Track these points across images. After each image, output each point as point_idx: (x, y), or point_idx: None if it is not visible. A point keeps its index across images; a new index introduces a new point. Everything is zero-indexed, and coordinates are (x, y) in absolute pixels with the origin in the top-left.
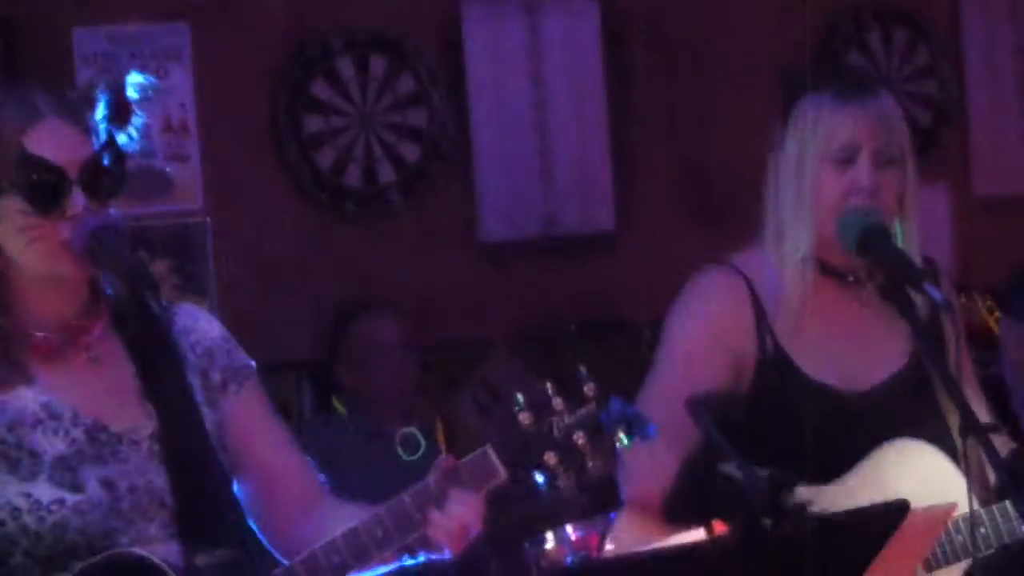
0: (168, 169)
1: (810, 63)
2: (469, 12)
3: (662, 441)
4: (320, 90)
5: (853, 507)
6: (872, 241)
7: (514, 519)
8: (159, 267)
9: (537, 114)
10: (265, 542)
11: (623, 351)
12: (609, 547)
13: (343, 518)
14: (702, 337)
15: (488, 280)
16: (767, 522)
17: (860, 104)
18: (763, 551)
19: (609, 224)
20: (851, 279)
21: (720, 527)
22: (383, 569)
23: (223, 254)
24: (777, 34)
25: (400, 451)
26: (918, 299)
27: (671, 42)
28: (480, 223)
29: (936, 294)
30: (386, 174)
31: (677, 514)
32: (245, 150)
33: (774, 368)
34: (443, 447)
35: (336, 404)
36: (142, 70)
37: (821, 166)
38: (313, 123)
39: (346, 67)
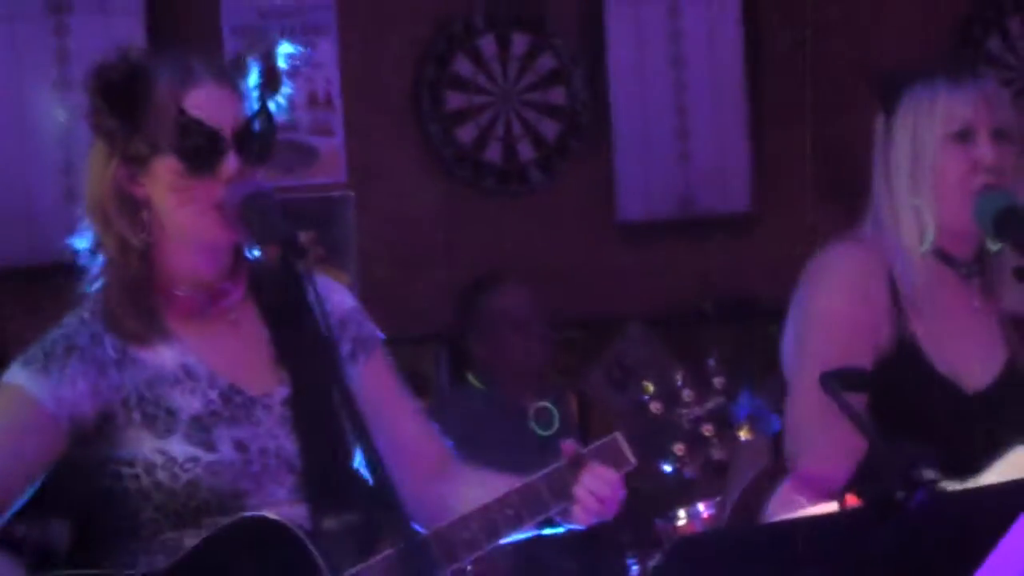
0: (313, 142)
1: (949, 48)
2: None
3: (835, 420)
4: (462, 67)
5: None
6: (1010, 222)
7: (645, 497)
8: (304, 238)
9: (676, 94)
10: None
11: (758, 331)
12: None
13: (473, 484)
14: (852, 316)
15: (624, 259)
16: (900, 495)
17: (973, 84)
18: (894, 524)
19: (745, 205)
20: (964, 271)
21: (853, 500)
22: (520, 536)
23: (365, 227)
24: (917, 16)
25: (534, 425)
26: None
27: (810, 24)
28: (617, 202)
29: None
30: (526, 151)
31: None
32: (388, 125)
33: (906, 354)
34: (577, 422)
35: (470, 377)
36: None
37: (940, 147)
38: (455, 99)
39: (488, 44)
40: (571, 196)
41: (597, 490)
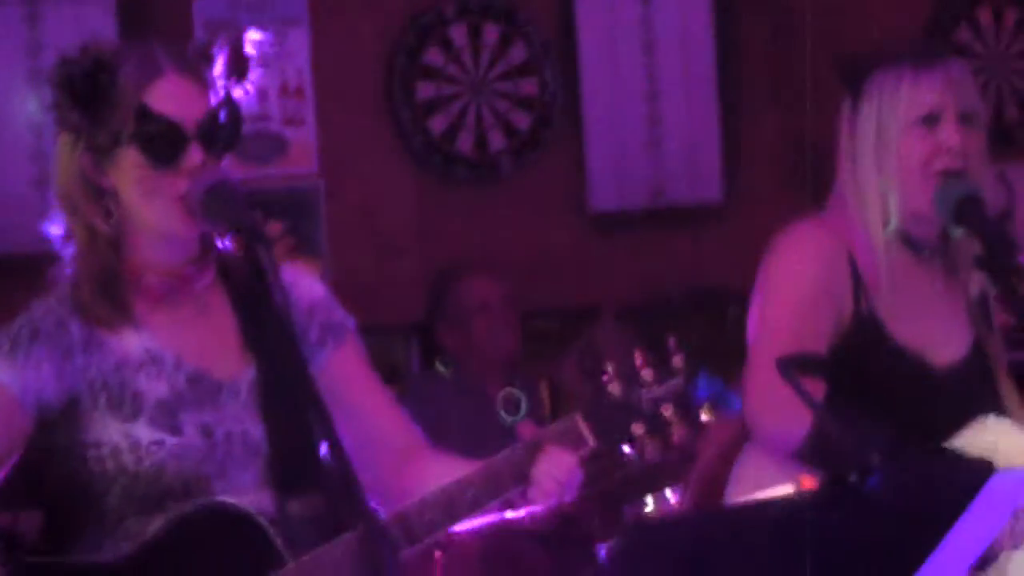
0: (284, 132)
1: (919, 38)
2: None
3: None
4: (433, 57)
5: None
6: (970, 210)
7: (612, 484)
8: (273, 228)
9: (647, 85)
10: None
11: (729, 321)
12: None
13: (442, 470)
14: (814, 288)
15: (596, 249)
16: (853, 477)
17: (940, 67)
18: (848, 507)
19: (717, 195)
20: (926, 252)
21: (808, 482)
22: (481, 517)
23: (336, 217)
24: (887, 8)
25: (502, 412)
26: (975, 276)
27: (781, 15)
28: (589, 192)
29: None
30: (497, 142)
31: (807, 457)
32: (359, 115)
33: (868, 330)
34: (547, 410)
35: (438, 365)
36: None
37: (905, 131)
38: (426, 90)
39: (459, 35)
40: (543, 186)
41: (554, 472)
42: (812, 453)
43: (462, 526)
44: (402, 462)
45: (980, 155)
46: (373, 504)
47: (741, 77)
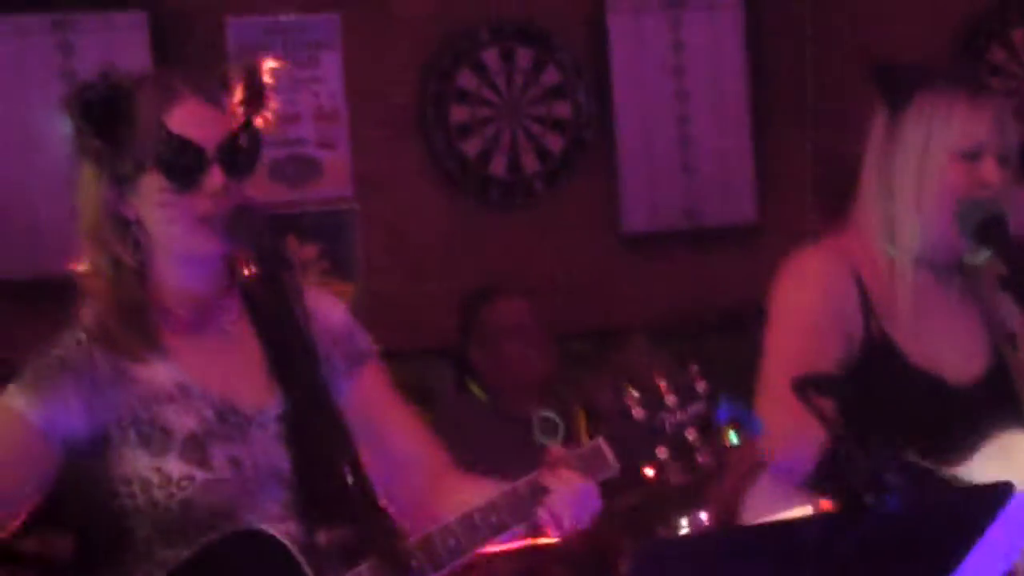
0: (318, 155)
1: (951, 57)
2: (614, 5)
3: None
4: (467, 80)
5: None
6: (994, 229)
7: (645, 506)
8: (308, 251)
9: (679, 107)
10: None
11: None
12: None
13: (471, 493)
14: (819, 313)
15: (629, 270)
16: (869, 499)
17: (992, 103)
18: (865, 528)
19: (750, 216)
20: (945, 274)
21: (827, 504)
22: (509, 541)
23: (370, 240)
24: (920, 28)
25: (539, 435)
26: (1005, 299)
27: (813, 36)
28: (622, 214)
29: None
30: (530, 164)
31: (817, 486)
32: (393, 138)
33: (879, 352)
34: (583, 432)
35: (472, 387)
36: (294, 60)
37: (949, 161)
38: (460, 113)
39: (493, 58)
40: (575, 208)
41: (568, 498)
42: (825, 475)
43: (491, 548)
44: (431, 485)
45: (1009, 189)
46: (399, 530)
47: (772, 98)
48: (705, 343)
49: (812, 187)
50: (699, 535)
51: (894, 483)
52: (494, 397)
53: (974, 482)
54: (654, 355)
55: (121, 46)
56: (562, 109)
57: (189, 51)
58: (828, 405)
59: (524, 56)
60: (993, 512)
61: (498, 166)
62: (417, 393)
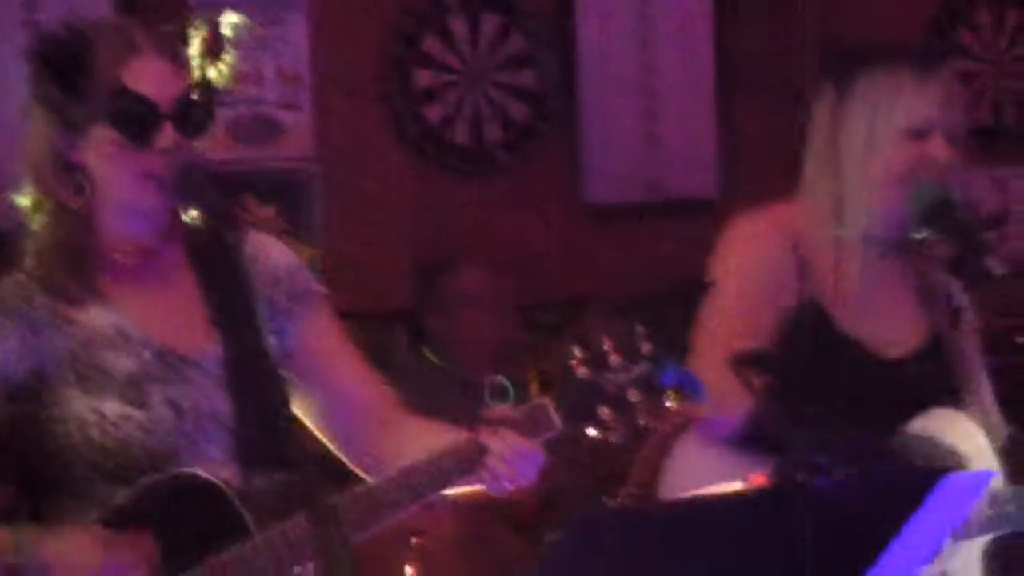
0: (280, 117)
1: (923, 27)
2: None
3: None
4: (432, 46)
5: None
6: (944, 212)
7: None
8: (266, 212)
9: (645, 79)
10: (343, 457)
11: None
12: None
13: (421, 434)
14: (752, 278)
15: (590, 241)
16: (801, 476)
17: (940, 81)
18: (796, 505)
19: (712, 190)
20: (888, 252)
21: (758, 479)
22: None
23: (331, 203)
24: (887, 6)
25: (489, 399)
26: (949, 278)
27: (781, 11)
28: (584, 184)
29: (999, 267)
30: (493, 132)
31: (746, 448)
32: (356, 102)
33: (810, 318)
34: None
35: (428, 354)
36: (259, 19)
37: (897, 138)
38: (423, 78)
39: (459, 24)
40: (538, 177)
41: (506, 456)
42: (750, 440)
43: (438, 504)
44: (377, 425)
45: (957, 170)
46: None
47: (739, 73)
48: (665, 313)
49: (776, 162)
50: (630, 509)
51: (826, 463)
52: (449, 363)
53: (903, 457)
54: (611, 322)
55: (84, 3)
56: (526, 78)
57: (151, 8)
58: (762, 381)
59: (490, 23)
60: (920, 497)
61: (461, 133)
62: (373, 356)
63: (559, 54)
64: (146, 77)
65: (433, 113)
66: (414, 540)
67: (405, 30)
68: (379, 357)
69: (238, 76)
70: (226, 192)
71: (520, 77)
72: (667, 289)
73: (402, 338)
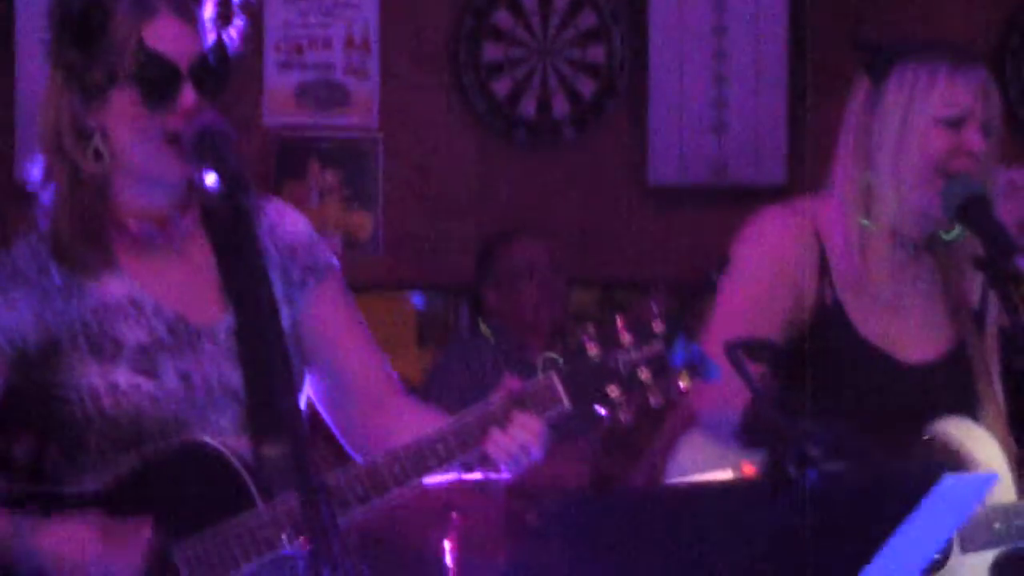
0: (346, 83)
1: (995, 38)
2: None
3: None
4: (502, 19)
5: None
6: (976, 209)
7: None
8: (330, 178)
9: (716, 62)
10: (338, 436)
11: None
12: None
13: (416, 419)
14: (767, 274)
15: (653, 222)
16: (791, 469)
17: (976, 73)
18: (788, 499)
19: (779, 177)
20: (914, 249)
21: (749, 469)
22: (442, 478)
23: (393, 173)
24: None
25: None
26: (977, 279)
27: (856, 3)
28: (650, 165)
29: None
30: (560, 107)
31: (748, 440)
32: (424, 72)
33: (830, 320)
34: None
35: (482, 327)
36: None
37: (930, 128)
38: (493, 51)
39: None
40: (603, 155)
41: (512, 433)
42: (750, 436)
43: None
44: (375, 407)
45: (992, 164)
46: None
47: (811, 62)
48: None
49: None
50: (609, 494)
51: (818, 456)
52: (502, 338)
53: (906, 462)
54: (667, 305)
55: None
56: (596, 54)
57: None
58: (759, 370)
59: None
60: (917, 495)
61: (528, 107)
62: (430, 329)
63: (630, 31)
64: (165, 37)
65: (501, 86)
66: (454, 516)
67: (475, 2)
68: (436, 330)
69: (306, 41)
70: (290, 155)
71: (590, 53)
72: (711, 277)
73: (459, 312)
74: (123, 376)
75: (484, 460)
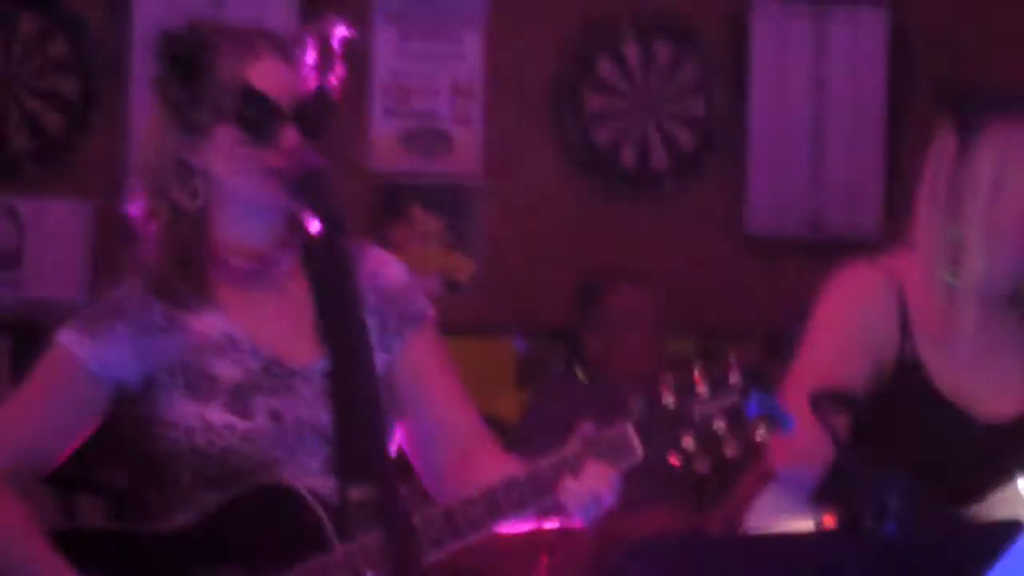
0: (451, 130)
1: None
2: (758, 7)
3: (813, 429)
4: (605, 70)
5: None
6: None
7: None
8: (432, 223)
9: (814, 114)
10: (424, 483)
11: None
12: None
13: (500, 470)
14: (847, 333)
15: (750, 272)
16: (868, 521)
17: None
18: (864, 550)
19: (876, 229)
20: (999, 306)
21: (830, 521)
22: (520, 525)
23: (494, 218)
24: None
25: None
26: None
27: (957, 54)
28: (747, 216)
29: None
30: (660, 158)
31: (825, 500)
32: (526, 120)
33: (909, 377)
34: None
35: (579, 372)
36: (437, 33)
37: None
38: (595, 101)
39: (632, 50)
40: (701, 206)
41: (587, 481)
42: (829, 492)
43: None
44: (464, 456)
45: None
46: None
47: (910, 112)
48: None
49: None
50: (690, 539)
51: (896, 509)
52: (597, 383)
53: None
54: (762, 356)
55: (269, 9)
56: (696, 107)
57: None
58: (842, 422)
59: (664, 50)
60: (996, 551)
61: (627, 158)
62: (529, 371)
63: (731, 85)
64: (268, 78)
65: (601, 136)
66: (544, 558)
67: (579, 52)
68: (531, 374)
69: (412, 88)
70: (394, 199)
71: (690, 106)
72: (791, 332)
73: (558, 357)
74: (217, 415)
75: (558, 507)
